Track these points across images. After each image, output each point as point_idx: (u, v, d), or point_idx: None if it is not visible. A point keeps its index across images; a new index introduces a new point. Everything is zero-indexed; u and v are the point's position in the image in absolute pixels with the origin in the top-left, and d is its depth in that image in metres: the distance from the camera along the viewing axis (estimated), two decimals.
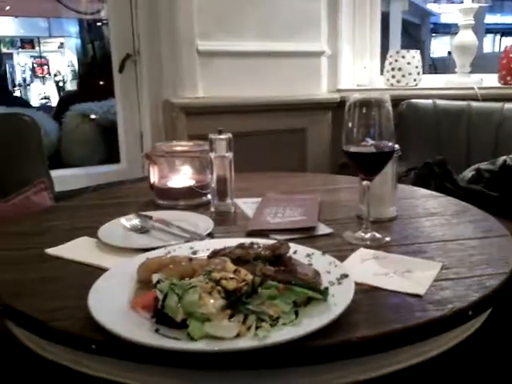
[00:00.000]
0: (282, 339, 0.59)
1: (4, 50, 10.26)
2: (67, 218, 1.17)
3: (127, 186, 1.51)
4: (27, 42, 10.83)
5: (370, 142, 0.96)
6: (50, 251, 0.95)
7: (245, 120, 2.09)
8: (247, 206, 1.22)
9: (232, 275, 0.67)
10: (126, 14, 2.18)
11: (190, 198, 1.24)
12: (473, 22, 2.34)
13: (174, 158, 1.25)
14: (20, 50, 10.45)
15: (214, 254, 0.82)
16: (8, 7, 8.61)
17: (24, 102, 2.39)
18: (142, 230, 1.03)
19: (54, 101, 10.38)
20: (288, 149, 2.20)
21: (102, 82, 2.59)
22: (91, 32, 10.24)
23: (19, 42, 10.64)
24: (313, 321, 0.63)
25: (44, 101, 9.48)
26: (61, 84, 11.20)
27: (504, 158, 1.72)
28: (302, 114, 2.21)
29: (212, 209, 1.19)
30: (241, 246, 0.82)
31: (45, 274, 0.86)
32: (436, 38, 16.82)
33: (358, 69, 2.57)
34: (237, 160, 1.19)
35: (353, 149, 0.95)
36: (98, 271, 0.84)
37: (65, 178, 2.15)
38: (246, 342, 0.59)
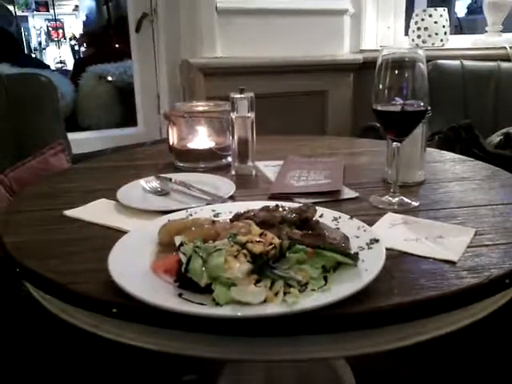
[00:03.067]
0: (312, 305, 0.56)
1: (19, 13, 10.16)
2: (85, 179, 1.15)
3: (146, 148, 1.48)
4: (42, 5, 10.70)
5: (400, 101, 0.91)
6: (69, 213, 0.92)
7: (264, 81, 2.03)
8: (269, 169, 1.18)
9: (258, 238, 0.63)
10: None
11: (210, 160, 1.20)
12: None
13: (193, 118, 1.21)
14: (35, 12, 10.33)
15: (238, 216, 0.79)
16: None
17: (40, 63, 2.35)
18: (161, 193, 1.01)
19: (70, 65, 10.32)
20: (308, 112, 2.14)
21: (118, 44, 2.53)
22: None
23: (34, 4, 10.52)
24: (343, 287, 0.60)
25: (60, 65, 9.43)
26: (76, 48, 11.12)
27: None
28: (323, 75, 2.14)
29: (233, 171, 1.15)
30: (265, 208, 0.78)
31: (63, 236, 0.84)
32: None
33: (382, 29, 2.47)
34: (256, 122, 1.14)
35: (383, 107, 0.90)
36: (118, 233, 0.82)
37: (81, 140, 2.13)
38: (274, 308, 0.56)
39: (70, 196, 1.04)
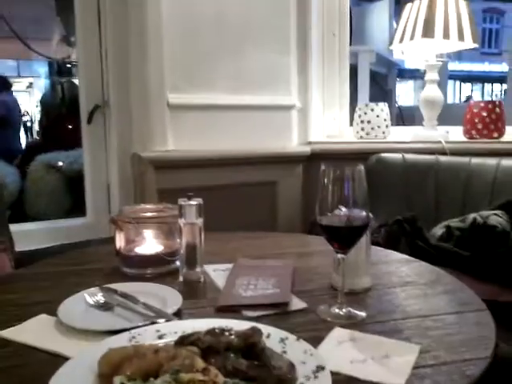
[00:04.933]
0: None
1: None
2: (27, 289, 1.11)
3: (92, 250, 1.45)
4: None
5: (343, 210, 0.94)
6: (5, 334, 0.88)
7: (215, 173, 2.07)
8: (218, 273, 1.18)
9: (201, 377, 0.62)
10: (96, 64, 2.16)
11: (158, 266, 1.19)
12: (438, 78, 2.40)
13: (141, 223, 1.20)
14: None
15: (182, 339, 0.77)
16: None
17: None
18: (105, 307, 0.97)
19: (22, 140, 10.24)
20: (258, 203, 2.17)
21: (69, 133, 2.54)
22: (61, 74, 10.23)
23: None
24: None
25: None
26: (29, 124, 11.08)
27: (473, 215, 1.73)
28: (273, 167, 2.20)
29: (180, 278, 1.14)
30: (211, 332, 0.77)
31: None
32: (401, 82, 17.45)
33: (328, 120, 2.59)
34: (206, 214, 1.14)
35: (326, 221, 0.92)
36: (57, 359, 0.78)
37: (27, 232, 2.07)
38: None
39: (8, 311, 0.99)
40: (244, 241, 1.46)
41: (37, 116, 10.99)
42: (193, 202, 1.13)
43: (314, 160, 2.28)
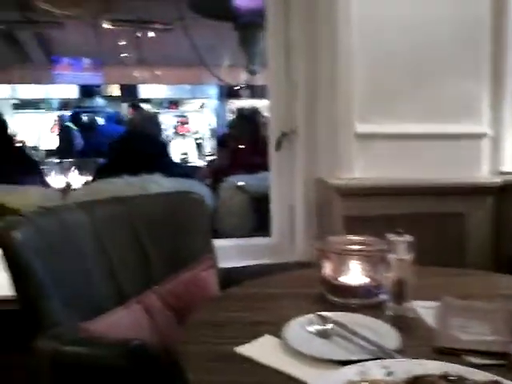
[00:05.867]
0: None
1: (154, 110, 11.36)
2: (244, 309, 1.21)
3: (293, 274, 1.53)
4: (173, 103, 11.88)
5: None
6: (240, 351, 0.97)
7: (400, 202, 2.04)
8: (425, 311, 1.17)
9: None
10: (285, 94, 2.29)
11: (363, 297, 1.22)
12: None
13: (348, 255, 1.25)
14: (167, 109, 11.46)
15: (415, 381, 0.79)
16: (159, 72, 9.57)
17: (185, 173, 2.60)
18: (324, 335, 1.03)
19: (192, 157, 11.18)
20: (444, 235, 2.10)
21: (255, 154, 2.73)
22: (230, 95, 10.97)
23: (166, 103, 11.70)
24: None
25: (183, 156, 10.22)
26: (199, 141, 12.06)
27: None
28: (460, 198, 2.11)
29: (388, 312, 1.15)
30: (447, 377, 0.77)
31: (242, 378, 0.89)
32: None
33: None
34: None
35: None
36: (291, 382, 0.85)
37: (217, 247, 2.25)
38: None
39: (234, 327, 1.10)
40: (444, 277, 1.42)
41: (206, 134, 11.90)
42: (403, 238, 1.15)
43: (507, 192, 2.13)
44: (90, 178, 3.30)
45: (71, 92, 10.44)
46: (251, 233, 2.57)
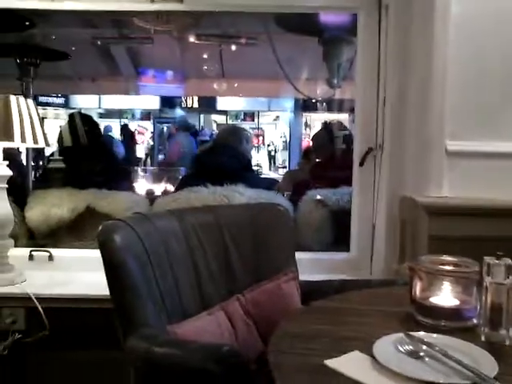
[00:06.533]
0: None
1: (229, 121, 11.64)
2: (330, 322, 1.22)
3: (379, 291, 1.51)
4: (249, 115, 12.11)
5: None
6: (329, 363, 0.98)
7: (489, 223, 1.96)
8: None
9: None
10: (372, 109, 2.27)
11: (453, 320, 1.19)
12: None
13: (440, 276, 1.22)
14: (242, 121, 11.70)
15: None
16: (236, 84, 9.80)
17: (266, 185, 2.64)
18: (415, 355, 1.01)
19: (265, 167, 11.33)
20: None
21: (338, 168, 2.73)
22: (305, 108, 11.02)
23: (242, 114, 11.95)
24: None
25: (257, 168, 10.38)
26: (272, 153, 12.19)
27: None
28: None
29: (482, 338, 1.12)
30: None
31: None
32: None
33: None
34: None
35: None
36: None
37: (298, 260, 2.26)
38: None
39: (322, 341, 1.10)
40: None
41: (280, 145, 11.99)
42: (501, 262, 1.11)
43: None
44: (172, 187, 3.42)
45: (154, 103, 10.92)
46: (329, 248, 2.55)
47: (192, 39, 6.31)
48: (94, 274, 1.71)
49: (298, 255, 2.43)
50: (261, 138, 12.08)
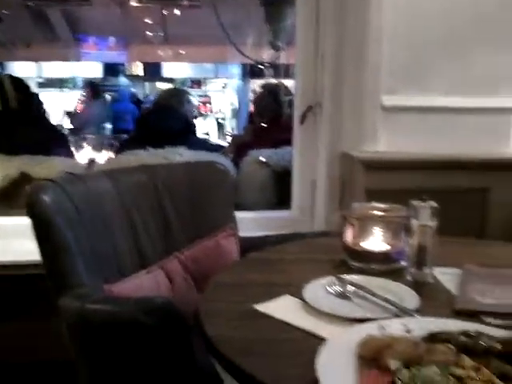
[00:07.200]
0: None
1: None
2: (263, 271, 1.22)
3: (313, 241, 1.54)
4: (195, 82, 11.89)
5: None
6: (260, 308, 0.99)
7: (425, 176, 2.02)
8: (445, 277, 1.17)
9: (475, 374, 0.63)
10: (312, 67, 2.26)
11: (384, 263, 1.22)
12: None
13: (371, 221, 1.25)
14: (189, 89, 11.48)
15: (433, 337, 0.79)
16: (183, 51, 9.59)
17: (209, 146, 2.61)
18: (343, 296, 1.04)
19: (213, 136, 11.22)
20: (468, 209, 2.07)
21: (279, 129, 2.72)
22: (253, 74, 10.90)
23: (189, 82, 11.71)
24: None
25: (205, 136, 10.26)
26: (221, 121, 12.06)
27: None
28: (487, 172, 2.07)
29: (408, 277, 1.16)
30: (466, 333, 0.77)
31: (260, 333, 0.90)
32: None
33: None
34: None
35: None
36: (311, 337, 0.86)
37: (238, 219, 2.26)
38: None
39: (255, 288, 1.11)
40: (467, 247, 1.42)
41: (228, 114, 11.85)
42: (427, 204, 1.14)
43: None
44: (113, 155, 3.34)
45: (96, 71, 10.53)
46: (273, 207, 2.57)
47: (133, 2, 6.08)
48: (29, 241, 1.66)
49: (242, 214, 2.43)
50: (209, 106, 11.91)
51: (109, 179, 1.62)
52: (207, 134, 10.49)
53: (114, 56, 9.41)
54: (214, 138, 11.21)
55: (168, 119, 2.56)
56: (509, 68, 2.10)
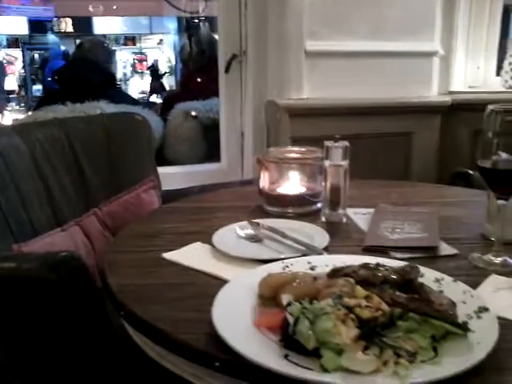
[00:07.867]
0: (425, 380, 0.54)
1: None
2: (178, 220, 1.19)
3: (235, 189, 1.51)
4: (129, 39, 11.40)
5: (504, 155, 0.89)
6: (167, 256, 0.95)
7: (349, 122, 2.03)
8: (359, 217, 1.17)
9: (365, 302, 0.62)
10: (235, 15, 2.19)
11: (300, 206, 1.21)
12: None
13: (286, 164, 1.22)
14: (122, 46, 11.00)
15: (335, 272, 0.79)
16: (115, 6, 9.13)
17: (132, 100, 2.50)
18: (255, 239, 1.02)
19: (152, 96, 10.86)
20: (392, 153, 2.11)
21: (205, 80, 2.64)
22: (189, 29, 10.57)
23: (123, 39, 11.22)
24: (455, 361, 0.58)
25: (142, 95, 9.94)
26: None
27: None
28: (410, 117, 2.11)
29: (323, 218, 1.15)
30: (366, 266, 0.77)
31: (164, 281, 0.87)
32: None
33: (471, 69, 2.40)
34: None
35: (490, 165, 0.87)
36: (216, 281, 0.84)
37: (167, 174, 2.19)
38: (386, 380, 0.54)
39: (166, 237, 1.07)
40: (382, 188, 1.43)
41: (164, 69, 11.45)
42: (339, 144, 1.13)
43: (455, 111, 2.14)
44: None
45: (21, 28, 9.88)
46: (203, 161, 2.52)
47: None
48: None
49: (169, 169, 2.38)
50: (145, 64, 11.49)
51: (17, 134, 1.52)
52: (145, 92, 10.17)
53: (40, 11, 8.84)
54: (153, 97, 10.90)
55: (86, 72, 2.42)
56: (429, 13, 2.11)
